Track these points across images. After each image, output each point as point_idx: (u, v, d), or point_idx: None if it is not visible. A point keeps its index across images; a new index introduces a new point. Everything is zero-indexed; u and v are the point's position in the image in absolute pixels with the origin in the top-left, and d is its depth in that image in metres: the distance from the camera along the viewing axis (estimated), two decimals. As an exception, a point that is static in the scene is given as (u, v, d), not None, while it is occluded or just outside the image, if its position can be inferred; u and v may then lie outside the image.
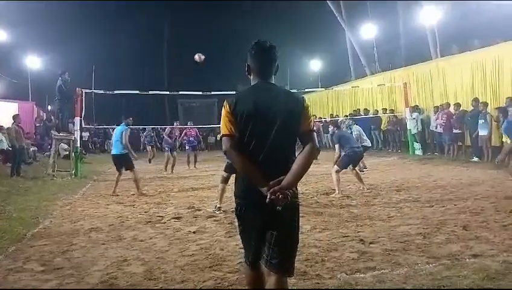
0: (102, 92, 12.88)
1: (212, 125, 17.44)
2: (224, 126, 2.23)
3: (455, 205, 5.93)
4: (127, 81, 21.03)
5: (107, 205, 7.19)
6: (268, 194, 2.07)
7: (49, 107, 22.82)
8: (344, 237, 4.53)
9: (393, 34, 20.04)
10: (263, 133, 2.20)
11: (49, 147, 14.69)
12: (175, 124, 13.37)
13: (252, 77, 2.38)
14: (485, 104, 10.90)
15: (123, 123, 8.37)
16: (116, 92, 13.17)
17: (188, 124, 13.67)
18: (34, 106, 20.35)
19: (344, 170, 7.50)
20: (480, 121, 10.75)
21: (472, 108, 11.38)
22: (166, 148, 12.56)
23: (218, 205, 6.16)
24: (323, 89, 20.99)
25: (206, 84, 17.57)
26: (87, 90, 12.36)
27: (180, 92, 16.52)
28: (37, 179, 10.36)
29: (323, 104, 22.12)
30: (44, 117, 20.28)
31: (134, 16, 26.24)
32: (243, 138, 2.21)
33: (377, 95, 17.34)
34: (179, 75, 28.32)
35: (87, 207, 6.98)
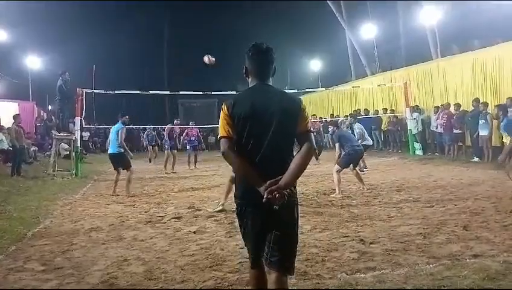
0: (102, 92, 12.87)
1: (212, 125, 17.43)
2: (222, 128, 2.25)
3: (455, 205, 5.92)
4: (127, 81, 21.07)
5: (108, 204, 7.20)
6: (265, 194, 2.08)
7: (50, 107, 22.87)
8: (344, 237, 4.53)
9: (394, 34, 20.03)
10: (260, 135, 2.22)
11: (49, 146, 14.72)
12: (175, 122, 13.35)
13: (249, 79, 2.40)
14: (486, 104, 10.90)
15: (120, 122, 8.41)
16: (116, 92, 13.20)
17: (190, 123, 13.68)
18: (35, 106, 20.40)
19: (345, 169, 7.50)
20: (481, 121, 10.75)
21: (472, 108, 11.38)
22: (166, 146, 12.58)
23: (222, 202, 6.18)
24: (324, 89, 20.97)
25: (206, 84, 17.58)
26: (88, 90, 12.35)
27: (181, 92, 16.55)
28: (38, 178, 10.37)
29: (323, 104, 22.10)
30: (45, 117, 20.30)
31: (134, 16, 26.26)
32: (240, 140, 2.23)
33: (377, 95, 17.32)
34: (179, 75, 28.35)
35: (88, 207, 6.99)
